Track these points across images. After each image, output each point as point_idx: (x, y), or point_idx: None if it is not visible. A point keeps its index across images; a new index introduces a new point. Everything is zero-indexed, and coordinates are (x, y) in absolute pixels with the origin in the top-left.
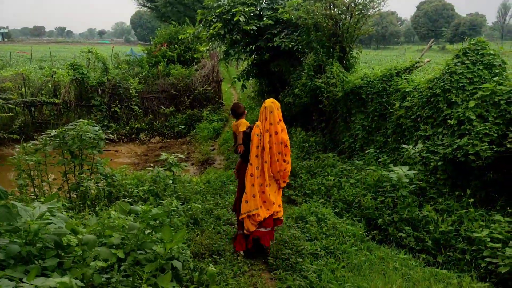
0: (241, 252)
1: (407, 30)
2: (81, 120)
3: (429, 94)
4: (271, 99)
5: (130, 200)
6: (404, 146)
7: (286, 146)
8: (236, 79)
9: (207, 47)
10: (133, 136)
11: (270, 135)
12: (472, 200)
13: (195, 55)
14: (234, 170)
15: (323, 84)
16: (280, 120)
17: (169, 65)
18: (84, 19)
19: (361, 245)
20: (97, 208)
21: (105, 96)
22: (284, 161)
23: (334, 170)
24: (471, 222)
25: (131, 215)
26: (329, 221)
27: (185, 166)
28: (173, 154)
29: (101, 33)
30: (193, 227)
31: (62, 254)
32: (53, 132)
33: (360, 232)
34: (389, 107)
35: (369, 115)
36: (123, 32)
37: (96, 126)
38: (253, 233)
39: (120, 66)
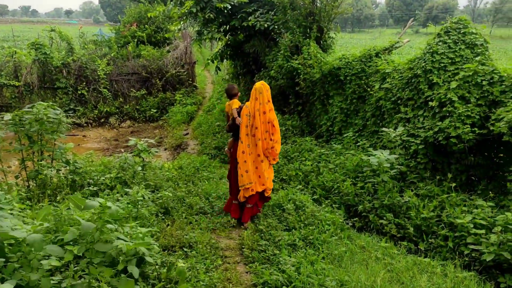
0: (234, 219)
1: (382, 14)
2: (40, 102)
3: (409, 75)
4: (261, 82)
5: (95, 189)
6: (384, 129)
7: (273, 125)
8: (209, 61)
9: (179, 27)
10: (102, 120)
11: (259, 115)
12: (453, 184)
13: (166, 35)
14: (226, 149)
15: (300, 66)
16: (268, 100)
17: (139, 46)
18: None
19: (341, 233)
20: (58, 198)
21: (70, 78)
22: (271, 139)
23: (312, 154)
24: (452, 207)
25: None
26: (307, 209)
27: (156, 152)
28: (143, 139)
29: (68, 13)
30: (163, 217)
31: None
32: (7, 116)
33: (340, 220)
34: (368, 89)
35: (347, 98)
36: (92, 12)
37: (57, 110)
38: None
39: (86, 47)
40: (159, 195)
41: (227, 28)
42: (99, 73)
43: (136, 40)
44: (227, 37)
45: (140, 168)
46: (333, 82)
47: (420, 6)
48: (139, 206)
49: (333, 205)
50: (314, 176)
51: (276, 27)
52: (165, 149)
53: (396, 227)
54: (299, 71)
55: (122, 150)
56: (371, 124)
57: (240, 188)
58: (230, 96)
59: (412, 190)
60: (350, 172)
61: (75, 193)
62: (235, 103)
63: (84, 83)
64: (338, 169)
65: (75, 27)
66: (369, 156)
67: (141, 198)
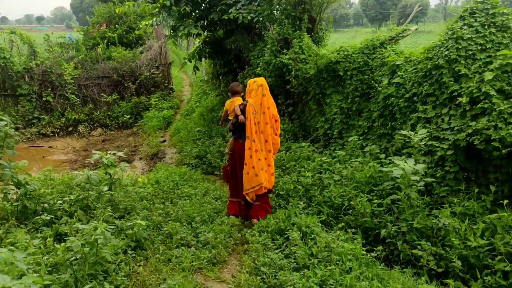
0: (241, 218)
1: (356, 13)
2: None
3: (428, 67)
4: (258, 78)
5: (48, 217)
6: (402, 132)
7: (276, 120)
8: (186, 60)
9: (150, 22)
10: (71, 129)
11: (264, 112)
12: (491, 198)
13: (137, 32)
14: (227, 151)
15: (290, 61)
16: (270, 96)
17: (109, 48)
18: (20, 4)
19: (367, 271)
20: (1, 232)
21: (34, 84)
22: (276, 134)
23: (312, 163)
24: (506, 231)
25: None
26: (318, 238)
27: (126, 166)
28: (109, 152)
29: (40, 19)
30: (134, 254)
31: None
32: None
33: (362, 252)
34: (373, 85)
35: (348, 96)
36: (64, 18)
37: (4, 120)
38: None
39: (51, 50)
40: (129, 223)
41: (205, 23)
42: (65, 78)
43: (106, 41)
44: (205, 33)
45: (106, 188)
46: (330, 78)
47: (394, 5)
48: (97, 247)
49: (348, 230)
50: (318, 190)
51: (261, 19)
52: (140, 159)
53: (434, 258)
54: (289, 67)
55: (92, 161)
56: (379, 125)
57: (251, 190)
58: (234, 93)
59: (445, 208)
60: (362, 185)
61: (21, 227)
62: (238, 100)
63: (50, 89)
64: (347, 182)
65: (47, 33)
66: (384, 165)
67: (100, 236)
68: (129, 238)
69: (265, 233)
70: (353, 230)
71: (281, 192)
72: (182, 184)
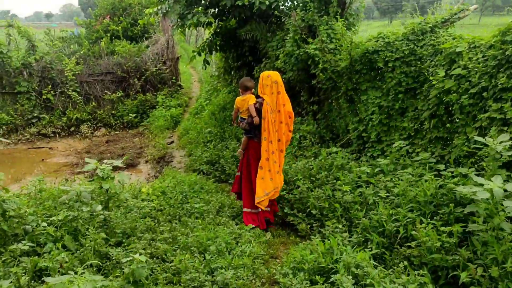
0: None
1: (367, 6)
2: None
3: (507, 53)
4: (272, 71)
5: (27, 246)
6: (477, 138)
7: (290, 117)
8: (195, 54)
9: (155, 10)
10: (73, 129)
11: (279, 110)
12: None
13: (140, 21)
14: (239, 150)
15: (317, 52)
16: (284, 92)
17: (113, 41)
18: (29, 1)
19: None
20: None
21: (33, 80)
22: (290, 131)
23: (349, 175)
24: None
25: None
26: (378, 286)
27: (127, 176)
28: (103, 162)
29: (48, 16)
30: None
31: None
32: None
33: None
34: (422, 78)
35: (388, 92)
36: (72, 15)
37: None
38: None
39: (51, 44)
40: (126, 259)
41: (216, 11)
42: (66, 74)
43: (110, 34)
44: (216, 22)
45: (100, 207)
46: (366, 71)
47: None
48: None
49: (414, 271)
50: (361, 210)
51: (281, 3)
52: (146, 162)
53: None
54: (316, 59)
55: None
56: (430, 128)
57: (265, 197)
58: (245, 88)
59: None
60: (421, 206)
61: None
62: (252, 98)
63: (50, 86)
64: (399, 200)
65: (49, 27)
66: (445, 179)
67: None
68: (124, 279)
69: (301, 272)
70: (415, 266)
71: (313, 211)
72: (192, 196)
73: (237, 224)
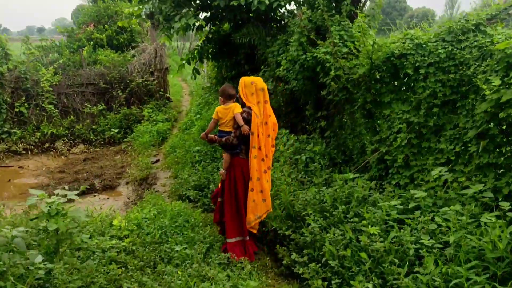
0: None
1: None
2: None
3: None
4: (255, 77)
5: None
6: None
7: (274, 129)
8: (184, 62)
9: (137, 10)
10: (47, 145)
11: (266, 122)
12: None
13: (119, 23)
14: (221, 170)
15: (328, 57)
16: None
17: (97, 50)
18: (23, 15)
19: None
20: None
21: (4, 92)
22: (272, 146)
23: (377, 212)
24: None
25: None
26: None
27: (106, 199)
28: (52, 194)
29: (40, 30)
30: None
31: None
32: None
33: None
34: (464, 88)
35: (420, 105)
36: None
37: None
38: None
39: (27, 52)
40: None
41: (209, 15)
42: (42, 85)
43: (93, 43)
44: (207, 27)
45: (39, 258)
46: (389, 79)
47: (400, 16)
48: None
49: None
50: (400, 265)
51: (282, 2)
52: (127, 183)
53: None
54: (326, 65)
55: (66, 186)
56: (479, 151)
57: (256, 220)
58: (228, 97)
59: None
60: (491, 265)
61: None
62: (237, 107)
63: (24, 98)
64: (451, 251)
65: (27, 35)
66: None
67: None
68: None
69: None
70: None
71: (331, 262)
72: (174, 232)
73: (229, 278)
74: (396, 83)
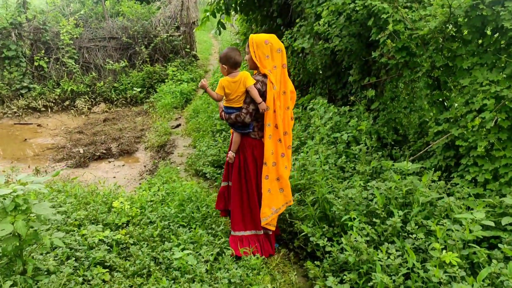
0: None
1: None
2: None
3: None
4: (268, 35)
5: None
6: None
7: (292, 98)
8: (209, 14)
9: None
10: (67, 103)
11: (284, 92)
12: None
13: None
14: (230, 153)
15: (385, 6)
16: None
17: (120, 1)
18: None
19: None
20: None
21: (24, 44)
22: (292, 118)
23: (450, 225)
24: None
25: None
26: None
27: (122, 165)
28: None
29: None
30: None
31: None
32: None
33: None
34: None
35: None
36: None
37: None
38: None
39: (48, 1)
40: None
41: None
42: (62, 38)
43: None
44: None
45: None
46: (472, 38)
47: None
48: None
49: None
50: None
51: None
52: (146, 149)
53: None
54: (383, 16)
55: (81, 150)
56: None
57: (274, 214)
58: (234, 65)
59: None
60: None
61: None
62: (248, 77)
63: (43, 52)
64: None
65: None
66: None
67: None
68: None
69: None
70: None
71: None
72: (180, 225)
73: None
74: (481, 41)
